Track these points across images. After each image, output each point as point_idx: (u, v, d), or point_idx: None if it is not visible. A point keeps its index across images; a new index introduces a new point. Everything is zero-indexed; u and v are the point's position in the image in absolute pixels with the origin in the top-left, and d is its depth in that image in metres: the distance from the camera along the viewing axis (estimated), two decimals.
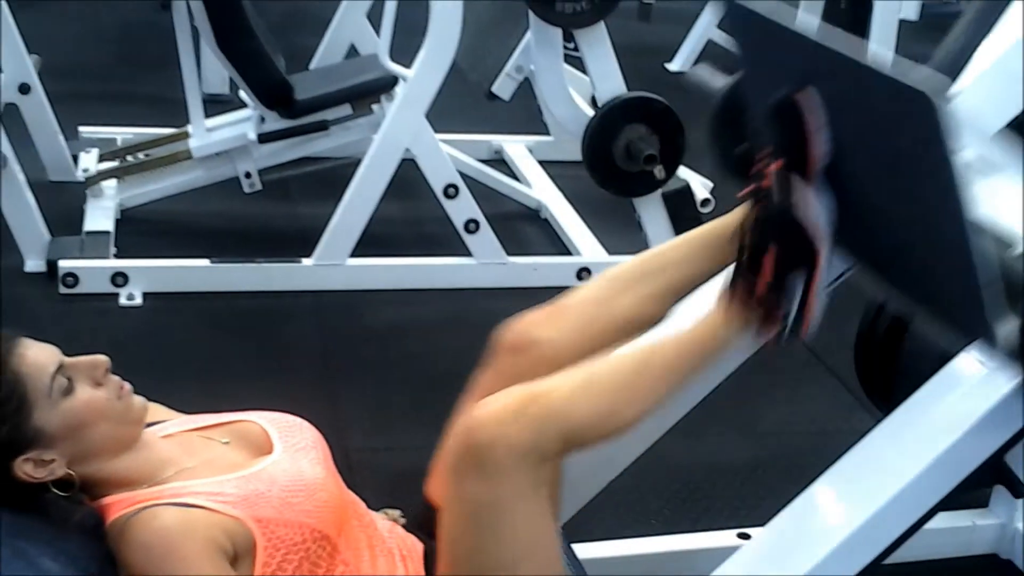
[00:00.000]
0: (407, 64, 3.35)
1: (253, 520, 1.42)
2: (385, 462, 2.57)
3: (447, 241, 3.52)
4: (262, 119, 3.62)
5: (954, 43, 2.02)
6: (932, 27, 6.43)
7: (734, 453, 2.76)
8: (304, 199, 3.98)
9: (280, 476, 1.49)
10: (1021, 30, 1.82)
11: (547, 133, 4.48)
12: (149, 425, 1.55)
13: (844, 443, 1.53)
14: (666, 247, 1.82)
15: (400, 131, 3.30)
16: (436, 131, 3.38)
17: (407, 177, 3.42)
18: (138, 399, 1.50)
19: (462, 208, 3.43)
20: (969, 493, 1.58)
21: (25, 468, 1.39)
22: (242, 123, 3.68)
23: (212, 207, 3.83)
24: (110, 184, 3.72)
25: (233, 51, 3.42)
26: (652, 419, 1.84)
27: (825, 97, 1.50)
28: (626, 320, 1.69)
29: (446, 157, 3.43)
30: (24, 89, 3.76)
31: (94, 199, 3.64)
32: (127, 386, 1.49)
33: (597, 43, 3.24)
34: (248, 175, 3.69)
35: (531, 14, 3.17)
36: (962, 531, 2.38)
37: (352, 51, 4.40)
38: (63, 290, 3.22)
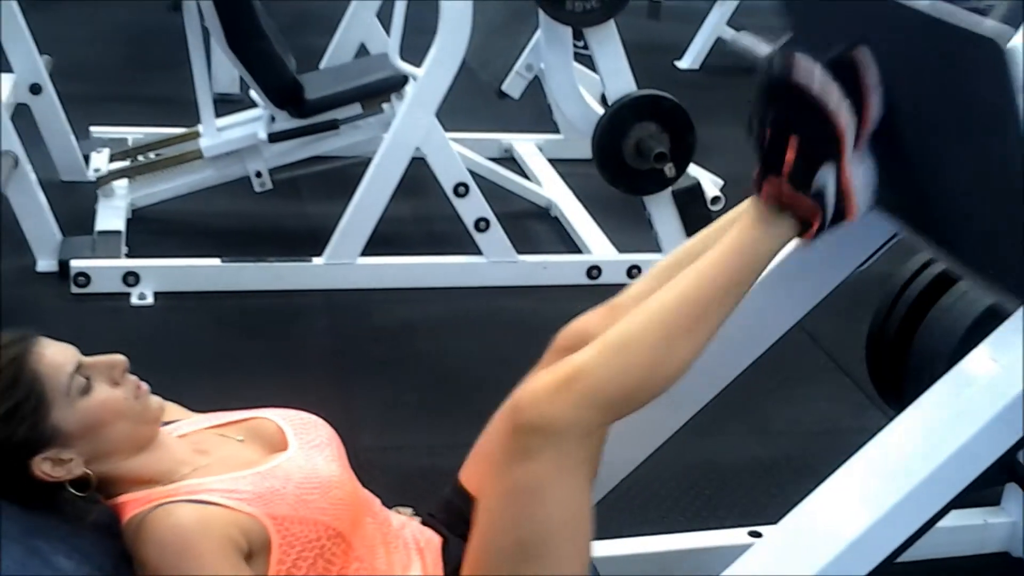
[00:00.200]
0: (417, 63, 3.35)
1: (268, 517, 1.42)
2: (396, 460, 2.58)
3: (457, 240, 3.52)
4: (272, 118, 3.63)
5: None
6: None
7: (745, 451, 2.75)
8: (314, 198, 3.99)
9: (295, 473, 1.50)
10: None
11: (557, 131, 4.48)
12: (164, 424, 1.56)
13: (855, 442, 1.53)
14: (710, 229, 1.78)
15: (410, 130, 3.30)
16: (446, 130, 3.38)
17: (417, 176, 3.43)
18: (155, 399, 1.51)
19: (472, 207, 3.43)
20: (981, 491, 1.58)
21: (43, 467, 1.40)
22: (252, 122, 3.69)
23: (223, 206, 3.84)
24: (121, 184, 3.73)
25: (243, 51, 3.43)
26: (664, 418, 1.86)
27: (881, 53, 1.48)
28: None
29: (456, 156, 3.43)
30: (36, 89, 3.78)
31: (105, 199, 3.65)
32: (144, 386, 1.50)
33: (607, 41, 3.24)
34: (259, 174, 3.70)
35: (541, 13, 3.17)
36: (974, 529, 2.38)
37: (362, 50, 4.41)
38: (75, 290, 3.23)
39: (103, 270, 3.26)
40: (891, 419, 1.54)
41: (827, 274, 1.81)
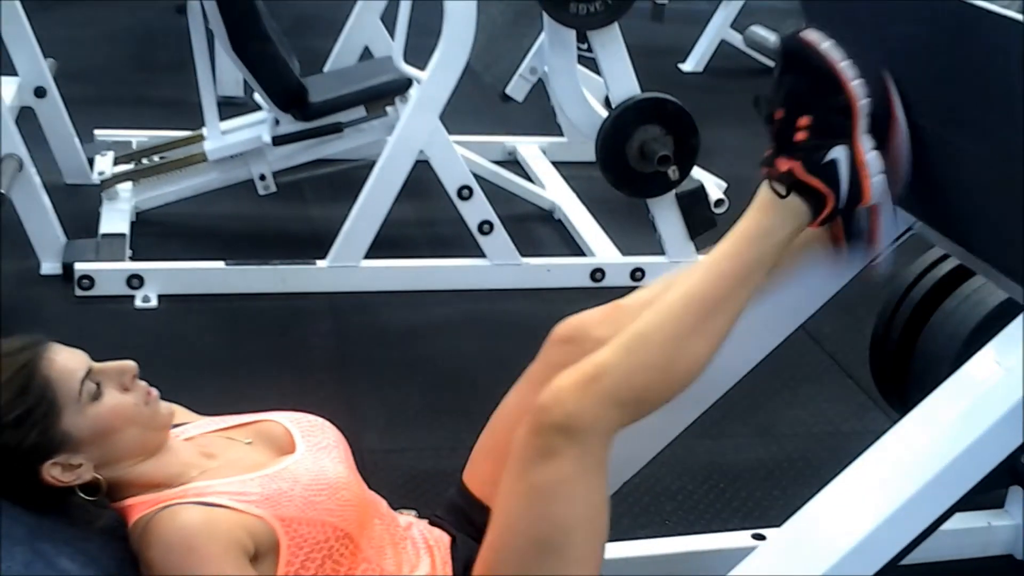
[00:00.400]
0: (421, 66, 3.36)
1: (276, 519, 1.43)
2: (400, 463, 2.58)
3: (461, 242, 3.53)
4: (276, 121, 3.63)
5: None
6: None
7: (749, 454, 2.75)
8: (318, 201, 3.99)
9: (303, 475, 1.50)
10: None
11: (561, 134, 4.48)
12: (173, 428, 1.56)
13: (859, 444, 1.53)
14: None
15: (414, 133, 3.30)
16: (450, 133, 3.38)
17: (421, 179, 3.43)
18: (164, 405, 1.51)
19: (476, 209, 3.43)
20: (985, 494, 1.58)
21: (53, 472, 1.40)
22: (257, 126, 3.69)
23: (227, 209, 3.84)
24: (125, 187, 3.73)
25: (247, 54, 3.43)
26: (668, 420, 1.86)
27: (899, 38, 1.48)
28: None
29: (460, 159, 3.43)
30: (40, 93, 3.78)
31: (109, 202, 3.66)
32: (154, 392, 1.50)
33: (611, 44, 3.24)
34: (263, 177, 3.70)
35: (545, 16, 3.17)
36: (978, 532, 2.38)
37: (366, 53, 4.41)
38: (79, 292, 3.24)
39: (107, 273, 3.27)
40: (894, 422, 1.54)
41: (835, 272, 1.80)
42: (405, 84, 3.60)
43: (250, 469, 1.50)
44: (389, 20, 3.98)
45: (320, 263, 3.39)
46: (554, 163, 4.37)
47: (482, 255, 3.49)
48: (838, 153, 1.48)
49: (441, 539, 1.65)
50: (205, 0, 3.32)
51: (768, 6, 5.90)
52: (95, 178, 3.80)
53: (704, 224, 3.50)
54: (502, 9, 3.76)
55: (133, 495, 1.46)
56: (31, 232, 3.33)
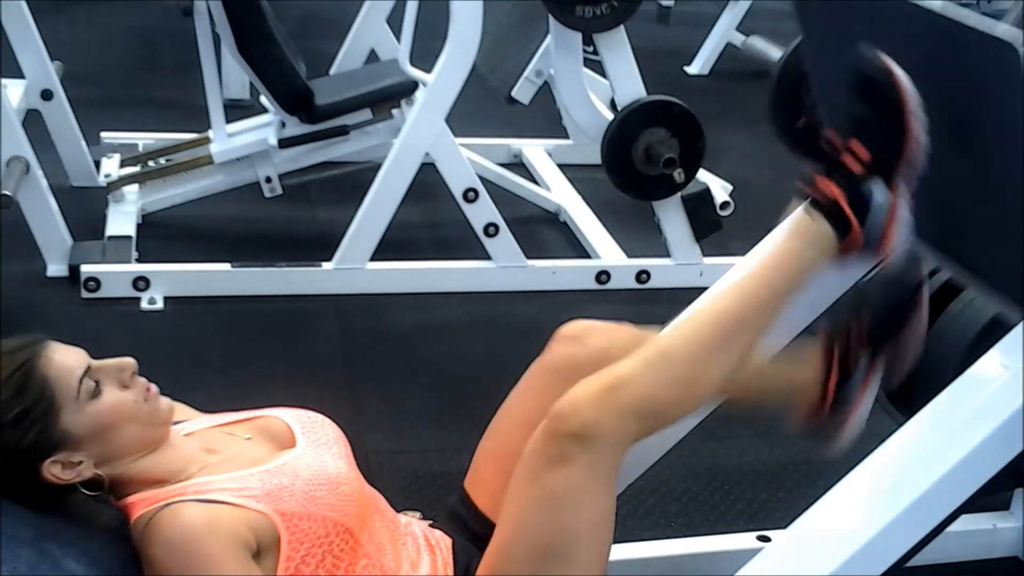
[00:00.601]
0: (427, 69, 3.36)
1: (277, 514, 1.43)
2: (405, 464, 2.58)
3: (466, 245, 3.53)
4: (282, 124, 3.63)
5: None
6: None
7: (753, 456, 2.75)
8: (324, 203, 3.99)
9: (303, 470, 1.50)
10: None
11: (566, 137, 4.48)
12: (173, 424, 1.56)
13: (864, 446, 1.53)
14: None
15: (420, 135, 3.31)
16: (456, 135, 3.38)
17: (427, 181, 3.43)
18: (165, 400, 1.52)
19: (481, 212, 3.43)
20: (991, 496, 1.58)
21: (53, 470, 1.40)
22: (263, 128, 3.69)
23: (233, 211, 3.84)
24: (132, 189, 3.74)
25: (254, 57, 3.43)
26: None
27: (891, 55, 1.48)
28: None
29: (466, 161, 3.43)
30: (46, 95, 3.79)
31: (116, 204, 3.66)
32: (154, 388, 1.51)
33: (617, 47, 3.24)
34: (268, 180, 3.70)
35: (551, 18, 3.17)
36: (983, 533, 2.38)
37: (372, 56, 4.42)
38: (85, 294, 3.24)
39: (113, 275, 3.27)
40: (900, 424, 1.54)
41: (840, 276, 1.80)
42: (411, 87, 3.61)
43: (250, 464, 1.50)
44: (395, 23, 3.98)
45: (326, 265, 3.39)
46: (560, 165, 4.37)
47: (487, 257, 3.49)
48: (877, 193, 1.49)
49: (443, 540, 1.65)
50: (211, 2, 3.32)
51: (774, 8, 5.89)
52: (101, 180, 3.81)
53: (710, 227, 3.50)
54: (508, 12, 3.76)
55: (134, 492, 1.46)
56: (38, 234, 3.33)
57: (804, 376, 1.71)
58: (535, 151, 4.50)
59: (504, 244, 3.48)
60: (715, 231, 3.50)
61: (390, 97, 3.66)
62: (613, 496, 1.48)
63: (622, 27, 3.21)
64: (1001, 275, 1.51)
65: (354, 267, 3.39)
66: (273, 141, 3.60)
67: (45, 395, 1.40)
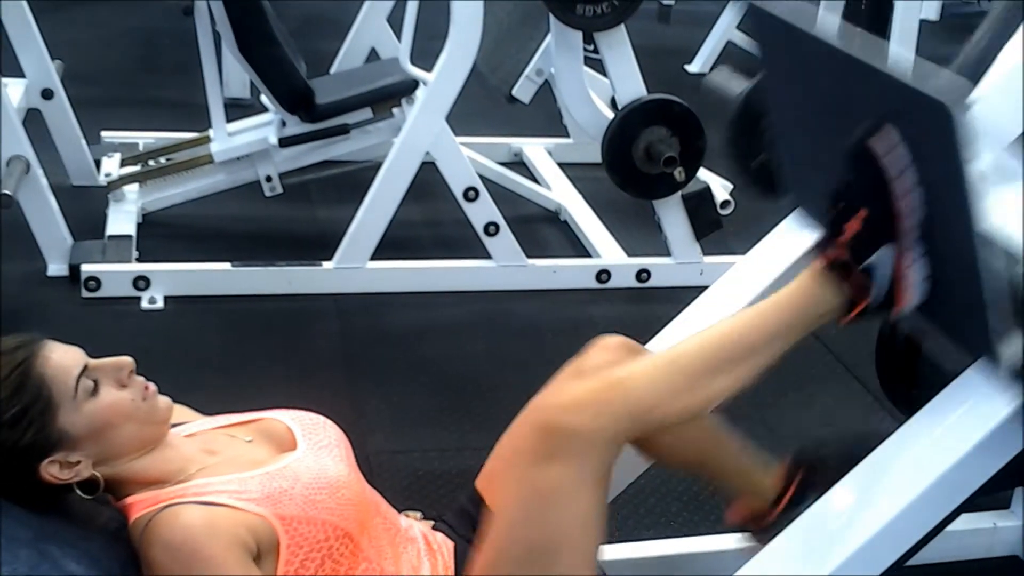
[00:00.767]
0: (428, 68, 3.36)
1: (277, 518, 1.43)
2: (406, 464, 2.58)
3: (467, 244, 3.53)
4: (283, 123, 3.63)
5: (976, 45, 1.98)
6: (953, 27, 6.42)
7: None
8: (324, 202, 3.99)
9: (303, 473, 1.50)
10: None
11: (567, 135, 4.48)
12: (173, 426, 1.56)
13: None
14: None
15: (420, 134, 3.31)
16: (456, 134, 3.38)
17: (427, 180, 3.43)
18: (163, 399, 1.51)
19: (482, 211, 3.43)
20: (991, 495, 1.58)
21: (51, 470, 1.40)
22: (263, 127, 3.70)
23: (233, 211, 3.84)
24: (132, 188, 3.74)
25: (254, 56, 3.43)
26: None
27: (842, 104, 1.48)
28: None
29: (466, 160, 3.43)
30: (47, 94, 3.79)
31: (116, 203, 3.66)
32: (152, 387, 1.51)
33: (617, 45, 3.24)
34: (269, 179, 3.71)
35: (551, 17, 3.17)
36: (983, 532, 2.38)
37: (373, 55, 4.42)
38: (85, 294, 3.24)
39: (114, 274, 3.27)
40: (901, 423, 1.54)
41: None
42: (411, 86, 3.61)
43: (250, 467, 1.50)
44: (396, 22, 3.98)
45: (326, 264, 3.39)
46: (560, 164, 4.37)
47: (488, 256, 3.49)
48: (883, 254, 1.49)
49: (444, 543, 1.65)
50: (212, 2, 3.33)
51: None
52: (102, 180, 3.81)
53: (710, 225, 3.50)
54: (509, 11, 3.76)
55: (133, 492, 1.46)
56: (38, 233, 3.33)
57: (764, 486, 1.82)
58: (535, 150, 4.50)
59: (504, 243, 3.48)
60: (716, 230, 3.50)
61: (391, 96, 3.66)
62: (603, 499, 1.47)
63: (623, 26, 3.20)
64: (951, 324, 1.52)
65: (354, 266, 3.39)
66: (273, 140, 3.61)
67: (42, 394, 1.39)
